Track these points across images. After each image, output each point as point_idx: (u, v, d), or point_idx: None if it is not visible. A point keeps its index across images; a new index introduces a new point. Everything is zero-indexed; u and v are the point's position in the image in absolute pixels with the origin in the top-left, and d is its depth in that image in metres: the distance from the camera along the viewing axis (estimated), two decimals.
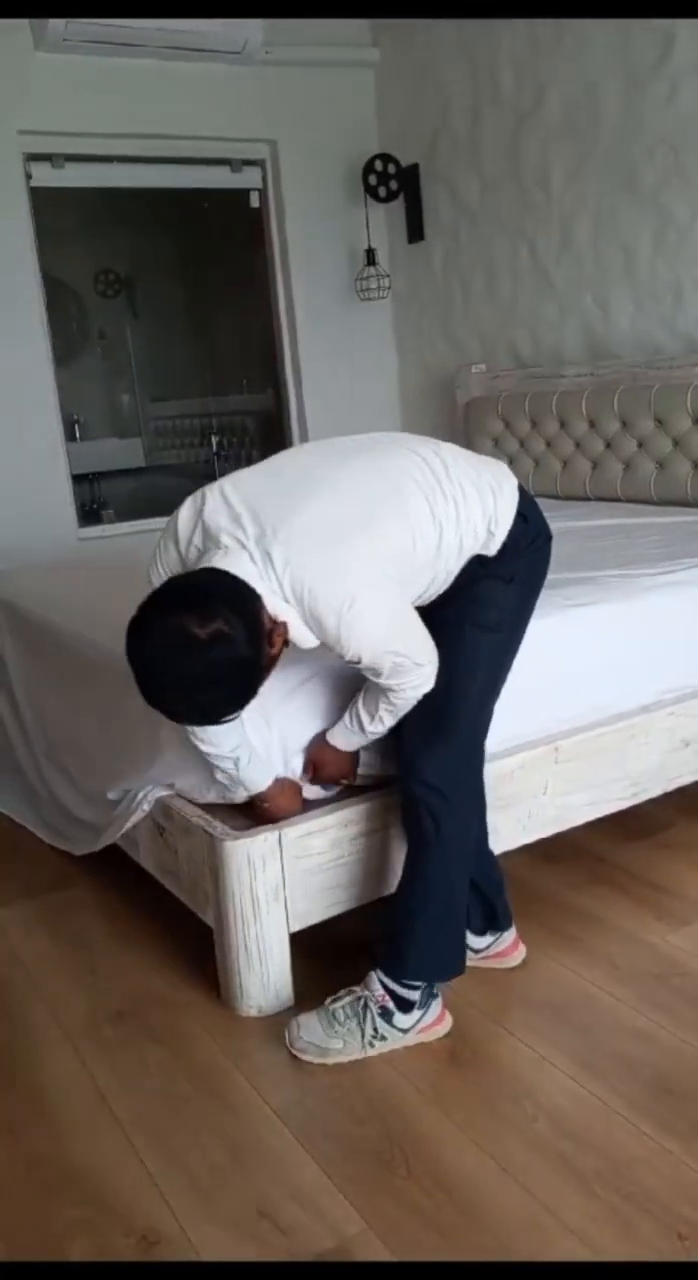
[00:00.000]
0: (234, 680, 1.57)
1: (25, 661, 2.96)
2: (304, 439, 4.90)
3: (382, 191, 4.65)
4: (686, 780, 2.50)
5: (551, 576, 2.02)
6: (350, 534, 1.66)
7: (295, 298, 4.78)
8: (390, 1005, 1.86)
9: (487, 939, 2.10)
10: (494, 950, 2.11)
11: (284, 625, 1.64)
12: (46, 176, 4.27)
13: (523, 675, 1.97)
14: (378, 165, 4.62)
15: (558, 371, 4.05)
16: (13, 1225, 1.58)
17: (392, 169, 4.62)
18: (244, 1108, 1.79)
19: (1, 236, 4.07)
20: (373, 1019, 1.86)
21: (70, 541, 4.33)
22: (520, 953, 2.13)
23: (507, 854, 2.17)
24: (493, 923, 2.09)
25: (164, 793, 2.16)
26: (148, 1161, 1.68)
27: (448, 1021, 1.92)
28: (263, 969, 2.00)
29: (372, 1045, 1.86)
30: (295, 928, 2.02)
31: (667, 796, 2.48)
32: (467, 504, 1.80)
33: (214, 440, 6.41)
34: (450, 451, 1.88)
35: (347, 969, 1.99)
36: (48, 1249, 1.53)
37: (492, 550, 1.85)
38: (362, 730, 1.92)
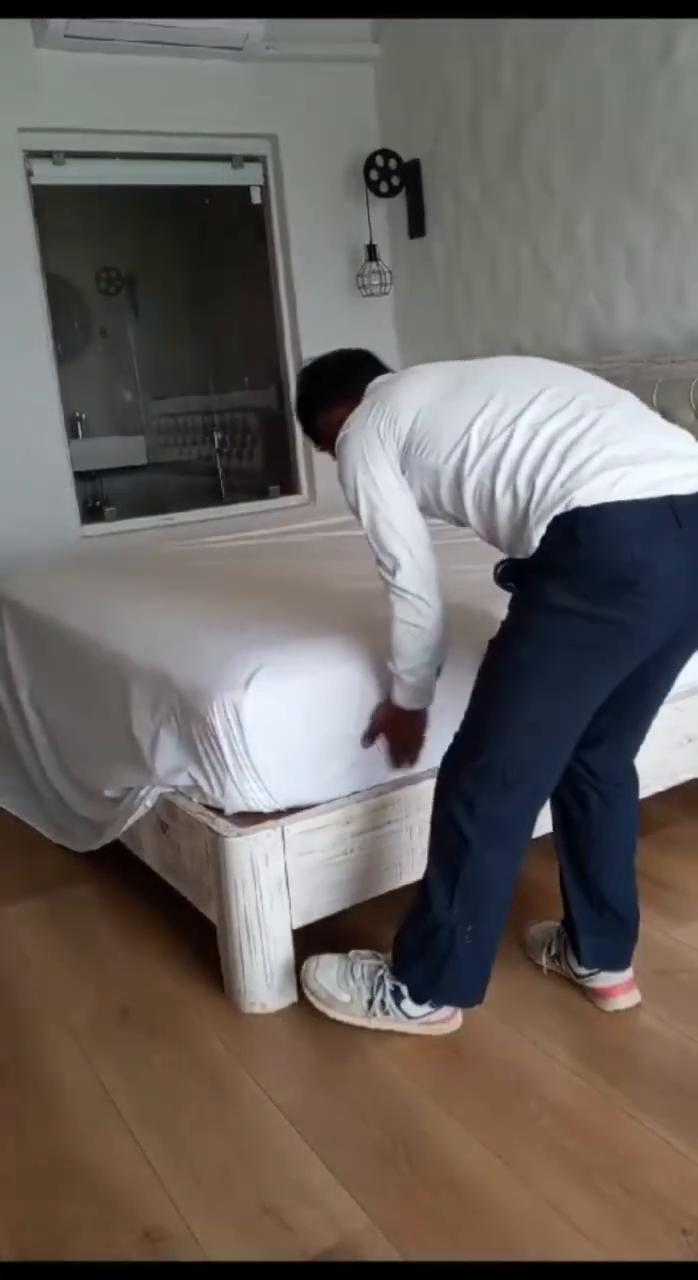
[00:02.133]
0: (301, 394, 2.21)
1: (27, 658, 2.96)
2: None
3: (383, 187, 4.64)
4: (687, 777, 2.50)
5: None
6: (384, 399, 1.87)
7: (297, 294, 4.77)
8: (403, 990, 1.86)
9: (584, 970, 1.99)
10: (596, 984, 1.98)
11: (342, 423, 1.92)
12: (47, 174, 4.25)
13: None
14: (379, 161, 4.60)
15: None
16: (18, 1223, 1.58)
17: (393, 164, 4.61)
18: (249, 1104, 1.79)
19: (3, 234, 4.06)
20: (385, 993, 1.86)
21: (72, 539, 4.33)
22: (617, 1001, 1.96)
23: None
24: (578, 954, 1.99)
25: (166, 790, 2.16)
26: (152, 1158, 1.68)
27: (457, 1021, 1.91)
28: (266, 966, 2.00)
29: (373, 1015, 1.87)
30: (298, 924, 2.02)
31: (669, 793, 2.48)
32: (514, 446, 1.64)
33: (217, 437, 6.38)
34: (595, 405, 1.65)
35: None
36: (53, 1247, 1.53)
37: (528, 546, 1.62)
38: (394, 670, 1.91)
